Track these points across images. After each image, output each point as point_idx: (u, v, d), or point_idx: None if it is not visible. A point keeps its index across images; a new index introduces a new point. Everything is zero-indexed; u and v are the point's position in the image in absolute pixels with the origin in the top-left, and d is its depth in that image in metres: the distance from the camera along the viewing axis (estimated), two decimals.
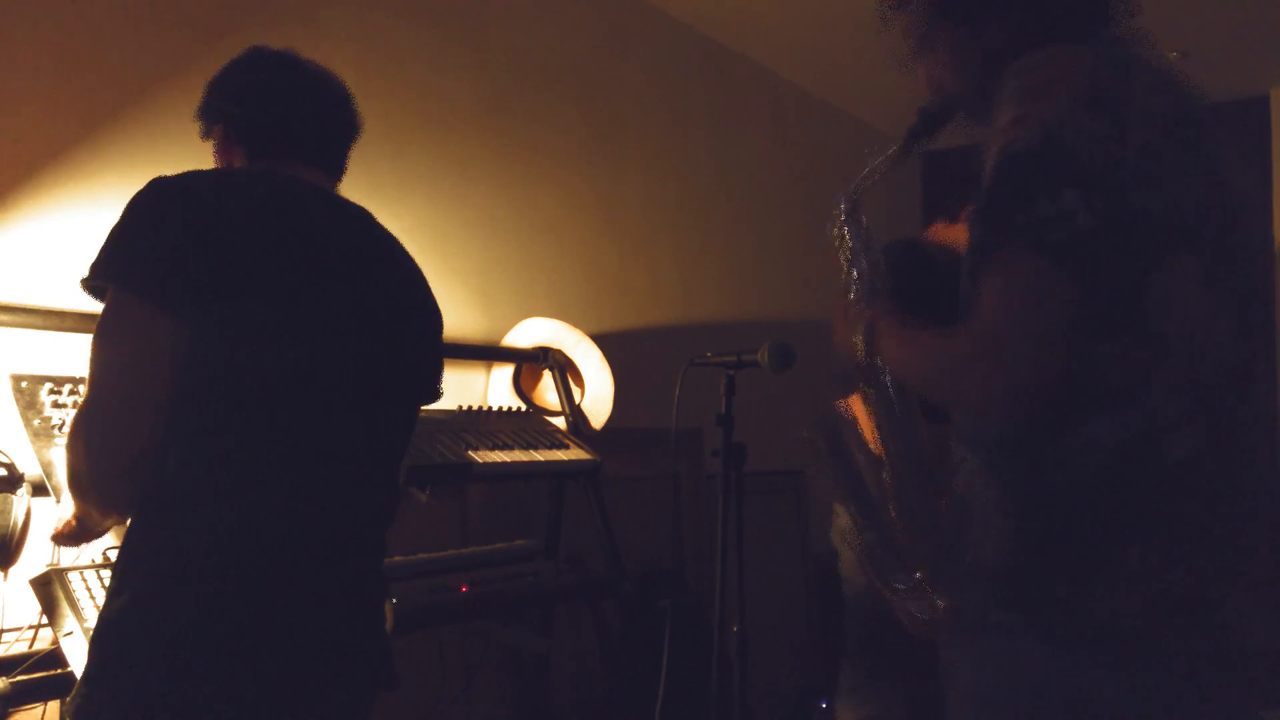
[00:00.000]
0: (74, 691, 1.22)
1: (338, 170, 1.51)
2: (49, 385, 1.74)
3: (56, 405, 1.71)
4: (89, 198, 2.09)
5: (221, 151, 1.46)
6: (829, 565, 4.07)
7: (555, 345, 2.81)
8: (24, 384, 1.71)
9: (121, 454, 1.22)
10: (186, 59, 2.27)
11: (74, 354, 1.93)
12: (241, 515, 1.24)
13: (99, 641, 1.22)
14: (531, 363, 2.82)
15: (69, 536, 1.37)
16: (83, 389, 1.75)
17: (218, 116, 1.45)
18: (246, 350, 1.25)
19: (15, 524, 1.62)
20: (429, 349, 1.53)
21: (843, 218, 1.42)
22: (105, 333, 1.23)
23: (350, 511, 1.36)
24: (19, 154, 2.01)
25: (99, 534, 1.39)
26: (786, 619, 3.88)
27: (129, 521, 1.27)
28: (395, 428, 1.47)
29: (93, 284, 1.26)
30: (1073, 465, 1.10)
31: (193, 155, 2.24)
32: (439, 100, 2.88)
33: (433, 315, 1.54)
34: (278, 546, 1.26)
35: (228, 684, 1.19)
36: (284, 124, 1.43)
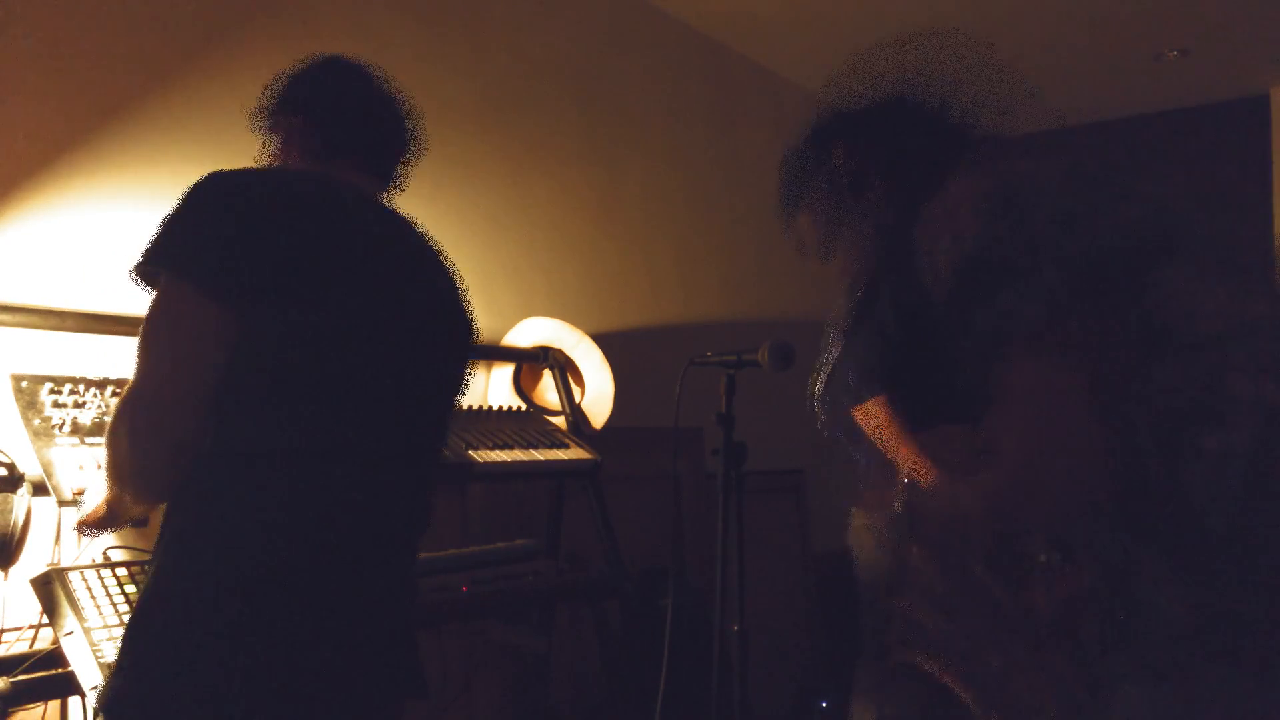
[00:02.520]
0: (105, 683, 1.22)
1: (391, 182, 1.54)
2: (49, 385, 1.74)
3: (57, 405, 1.71)
4: (89, 198, 2.09)
5: (288, 143, 1.47)
6: (829, 565, 4.08)
7: (555, 345, 2.81)
8: (24, 384, 1.71)
9: (164, 443, 1.22)
10: (185, 58, 2.27)
11: (74, 354, 1.93)
12: (281, 515, 1.24)
13: (134, 633, 1.22)
14: (532, 362, 2.82)
15: (96, 524, 1.38)
16: (83, 389, 1.75)
17: (294, 109, 1.47)
18: (293, 347, 1.25)
19: (15, 524, 1.62)
20: (462, 357, 1.54)
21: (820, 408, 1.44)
22: (156, 320, 1.23)
23: (387, 514, 1.36)
24: (19, 154, 2.01)
25: (127, 522, 1.40)
26: (786, 619, 3.87)
27: (166, 516, 1.27)
28: (431, 433, 1.48)
29: (146, 270, 1.25)
30: (1200, 484, 1.07)
31: (193, 154, 2.24)
32: (439, 100, 2.87)
33: (467, 324, 1.55)
34: (316, 547, 1.26)
35: (260, 683, 1.19)
36: (355, 127, 1.47)
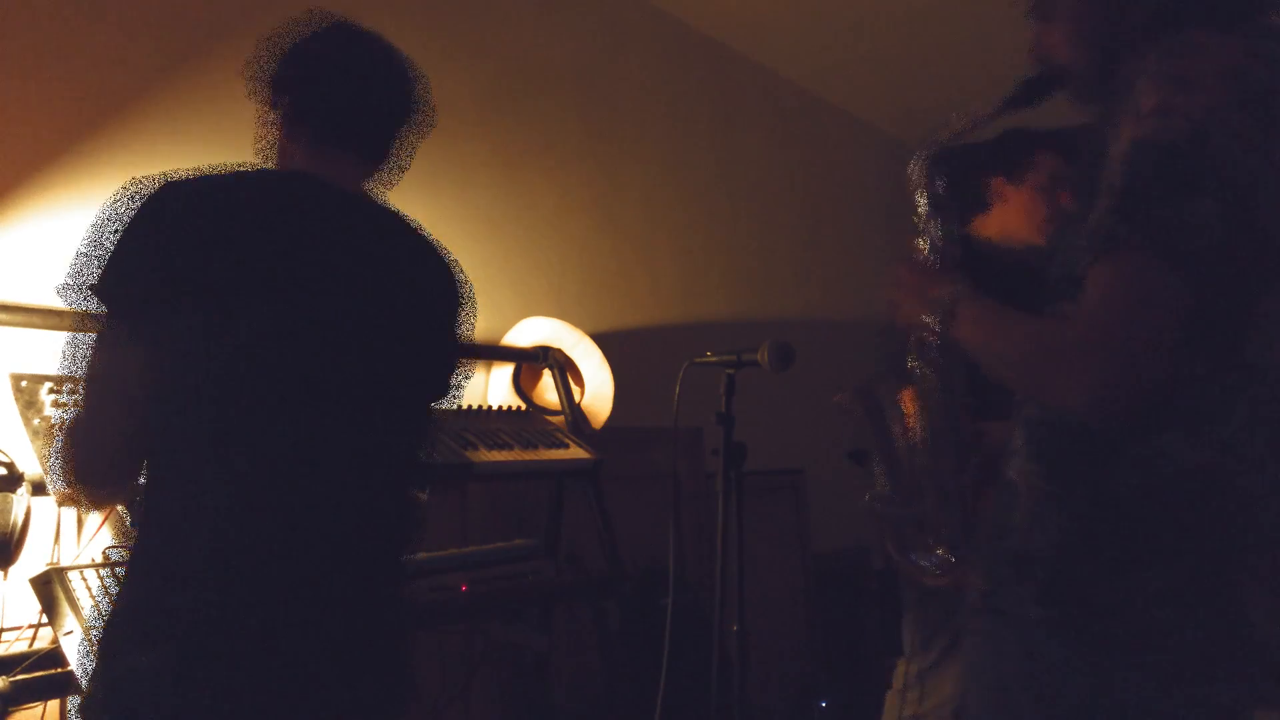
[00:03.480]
0: (85, 687, 1.22)
1: (376, 155, 1.46)
2: (49, 385, 1.74)
3: (56, 405, 1.71)
4: (89, 198, 2.10)
5: (264, 118, 1.43)
6: (829, 565, 4.08)
7: (555, 344, 2.81)
8: (24, 384, 1.71)
9: (105, 461, 1.24)
10: (185, 58, 2.27)
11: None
12: (239, 524, 1.22)
13: (102, 640, 1.22)
14: (531, 362, 2.82)
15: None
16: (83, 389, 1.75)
17: (260, 71, 1.42)
18: (243, 358, 1.23)
19: (15, 523, 1.62)
20: (444, 357, 1.50)
21: (917, 180, 1.36)
22: (98, 344, 1.24)
23: (349, 520, 1.32)
24: (19, 154, 2.01)
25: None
26: (786, 619, 3.87)
27: (139, 526, 1.27)
28: (401, 436, 1.43)
29: (82, 293, 1.24)
30: (1138, 474, 1.07)
31: (193, 154, 2.24)
32: (438, 100, 2.87)
33: (452, 323, 1.50)
34: (276, 556, 1.23)
35: (220, 694, 1.17)
36: (318, 97, 1.39)
